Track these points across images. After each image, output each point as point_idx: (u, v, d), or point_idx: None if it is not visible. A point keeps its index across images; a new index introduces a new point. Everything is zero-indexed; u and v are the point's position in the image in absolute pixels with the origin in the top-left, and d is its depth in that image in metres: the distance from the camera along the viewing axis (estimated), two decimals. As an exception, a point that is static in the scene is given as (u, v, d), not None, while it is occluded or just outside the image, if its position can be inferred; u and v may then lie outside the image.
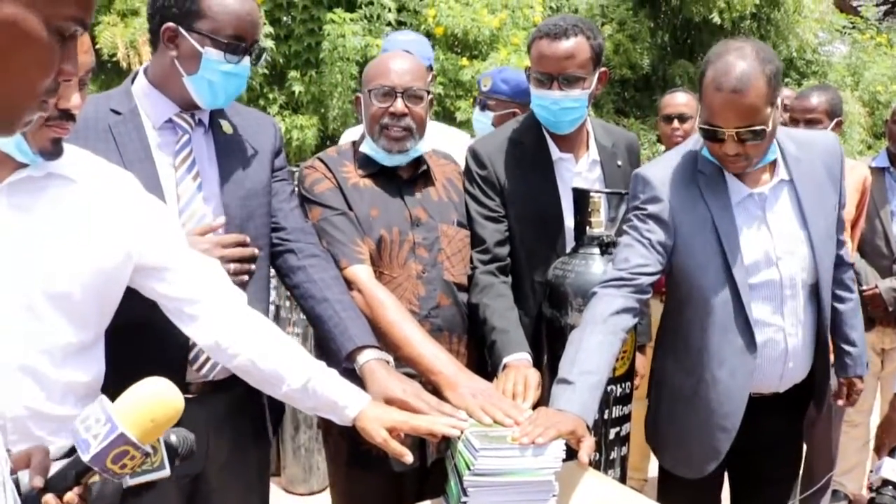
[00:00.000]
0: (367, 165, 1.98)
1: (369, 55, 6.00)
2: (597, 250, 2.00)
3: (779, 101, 1.82)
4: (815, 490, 2.94)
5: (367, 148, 1.97)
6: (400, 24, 6.42)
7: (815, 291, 1.96)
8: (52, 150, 1.31)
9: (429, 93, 1.95)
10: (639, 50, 7.66)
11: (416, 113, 1.92)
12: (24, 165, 1.34)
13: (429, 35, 6.36)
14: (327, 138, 6.49)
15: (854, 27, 10.57)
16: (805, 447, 2.96)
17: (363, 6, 6.13)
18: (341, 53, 5.93)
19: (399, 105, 1.90)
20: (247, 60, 1.67)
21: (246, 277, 1.70)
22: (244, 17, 1.63)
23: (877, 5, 15.48)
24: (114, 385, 1.44)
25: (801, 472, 2.33)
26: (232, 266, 1.67)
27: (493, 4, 6.53)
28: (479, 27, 6.28)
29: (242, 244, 1.70)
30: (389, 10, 6.26)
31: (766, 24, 8.20)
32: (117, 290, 1.46)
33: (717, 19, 7.37)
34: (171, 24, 1.62)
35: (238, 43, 1.63)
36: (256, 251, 1.73)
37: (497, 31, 6.45)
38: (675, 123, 3.28)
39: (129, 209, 1.45)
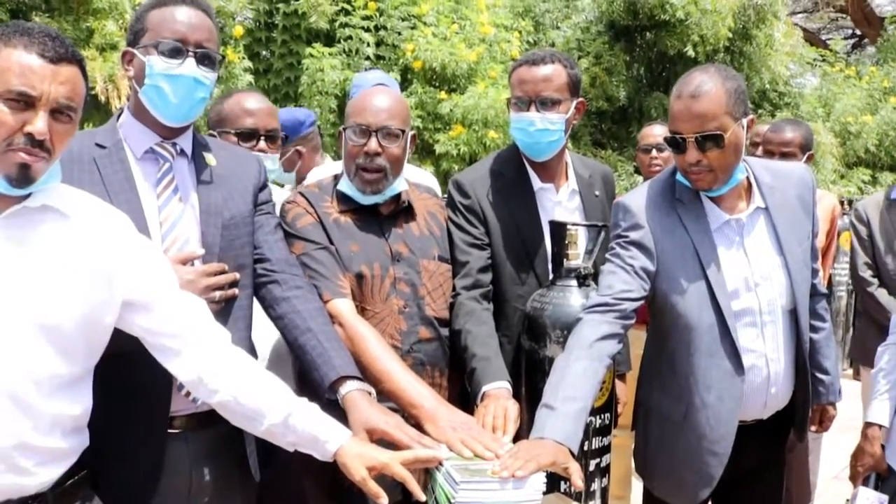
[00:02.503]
0: (346, 202, 2.00)
1: (348, 89, 6.04)
2: (574, 282, 2.02)
3: (744, 121, 1.88)
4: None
5: (345, 186, 1.99)
6: (378, 59, 6.48)
7: (793, 317, 1.99)
8: (18, 177, 1.31)
9: (404, 132, 1.96)
10: (615, 83, 7.81)
11: (390, 152, 1.94)
12: (20, 200, 1.36)
13: (407, 69, 6.44)
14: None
15: (824, 60, 10.84)
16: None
17: (342, 41, 6.20)
18: (320, 87, 5.99)
19: (373, 144, 1.92)
20: (191, 62, 1.67)
21: (235, 291, 1.73)
22: (182, 22, 1.67)
23: (845, 38, 15.91)
24: (101, 415, 1.47)
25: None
26: (217, 294, 1.68)
27: (470, 39, 6.62)
28: (456, 61, 6.36)
29: (223, 272, 1.72)
30: (368, 45, 6.33)
31: (739, 57, 8.41)
32: (107, 325, 1.47)
33: (691, 52, 7.54)
34: (126, 49, 1.69)
35: (176, 44, 1.66)
36: (237, 275, 1.74)
37: (475, 65, 6.53)
38: (654, 153, 3.36)
39: (120, 247, 1.47)
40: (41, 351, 1.35)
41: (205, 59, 1.69)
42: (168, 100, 1.66)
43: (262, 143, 2.29)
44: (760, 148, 3.34)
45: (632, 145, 7.92)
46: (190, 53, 1.66)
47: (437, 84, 6.52)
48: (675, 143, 1.89)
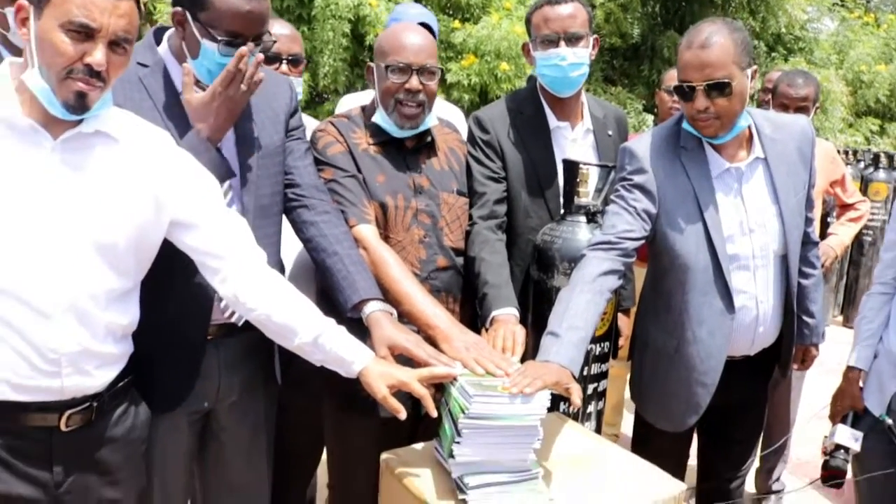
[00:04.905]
0: (378, 134, 2.08)
1: (361, 14, 6.02)
2: (583, 218, 2.14)
3: (749, 71, 1.97)
4: (772, 450, 3.14)
5: (380, 119, 2.06)
6: (394, -16, 6.40)
7: (784, 263, 2.11)
8: (76, 104, 1.40)
9: (440, 69, 2.05)
10: (629, 20, 7.72)
11: (429, 88, 2.02)
12: (74, 125, 1.45)
13: (422, -5, 6.38)
14: (317, 95, 6.52)
15: (843, 4, 10.65)
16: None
17: (357, -35, 6.12)
18: (333, 11, 5.95)
19: (414, 82, 1.99)
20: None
21: (262, 74, 1.72)
22: (244, 15, 1.66)
23: (867, -18, 15.54)
24: (149, 325, 1.61)
25: (761, 435, 2.50)
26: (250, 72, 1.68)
27: (486, -33, 6.55)
28: (472, -10, 6.31)
29: (242, 55, 1.67)
30: (384, -30, 6.25)
31: (757, -1, 8.28)
32: (155, 241, 1.58)
33: (708, -8, 7.44)
34: (179, 9, 1.70)
35: (234, 38, 1.66)
36: (253, 51, 1.70)
37: (490, -5, 6.48)
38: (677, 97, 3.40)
39: (167, 168, 1.57)
40: (98, 267, 1.47)
41: (259, 42, 1.71)
42: (215, 77, 1.69)
43: (284, 66, 2.37)
44: (772, 98, 3.39)
45: (642, 83, 7.89)
46: (246, 44, 1.68)
47: (450, 13, 6.48)
48: (684, 92, 1.98)
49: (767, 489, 3.37)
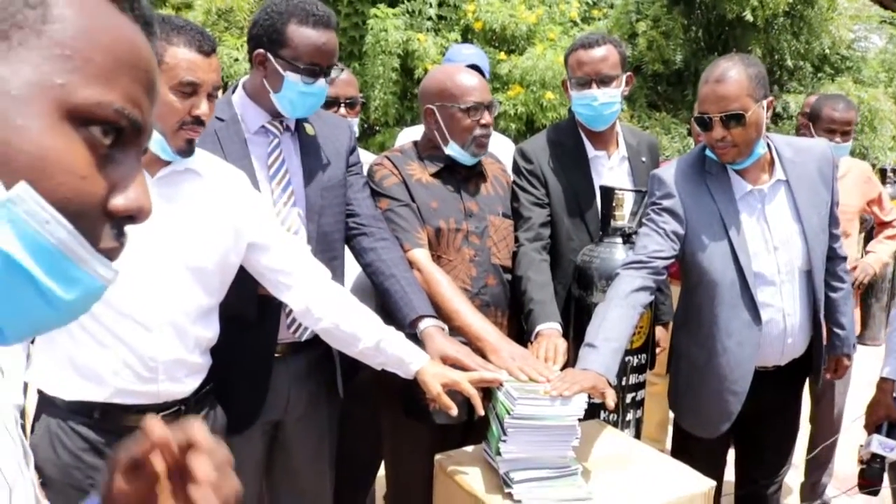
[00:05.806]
0: (435, 164, 2.26)
1: (410, 49, 6.28)
2: (620, 240, 2.31)
3: (764, 102, 2.12)
4: (815, 460, 3.22)
5: (454, 151, 2.24)
6: (440, 19, 6.66)
7: (809, 278, 2.24)
8: (186, 149, 1.65)
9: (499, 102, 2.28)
10: (672, 46, 7.81)
11: (492, 121, 2.24)
12: (167, 164, 1.69)
13: (468, 29, 6.63)
14: (369, 127, 6.79)
15: (891, 22, 10.54)
16: (811, 425, 3.24)
17: (405, 1, 6.39)
18: (383, 47, 6.21)
19: (487, 117, 2.21)
20: (322, 81, 1.95)
21: None
22: (320, 48, 1.90)
23: (917, -2, 15.30)
24: (226, 343, 1.82)
25: (795, 442, 2.60)
26: None
27: (530, 0, 6.75)
28: (516, 22, 6.51)
29: None
30: (430, 6, 6.51)
31: (800, 21, 8.28)
32: (235, 263, 1.80)
33: (749, 17, 7.49)
34: (261, 50, 1.93)
35: (314, 68, 1.90)
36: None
37: (534, 27, 6.67)
38: None
39: (242, 198, 1.80)
40: (190, 287, 1.70)
41: (330, 72, 1.96)
42: (296, 106, 1.95)
43: (343, 110, 2.60)
44: (814, 123, 3.46)
45: (686, 108, 7.97)
46: (323, 73, 1.93)
47: (496, 45, 6.69)
48: (703, 122, 2.14)
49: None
